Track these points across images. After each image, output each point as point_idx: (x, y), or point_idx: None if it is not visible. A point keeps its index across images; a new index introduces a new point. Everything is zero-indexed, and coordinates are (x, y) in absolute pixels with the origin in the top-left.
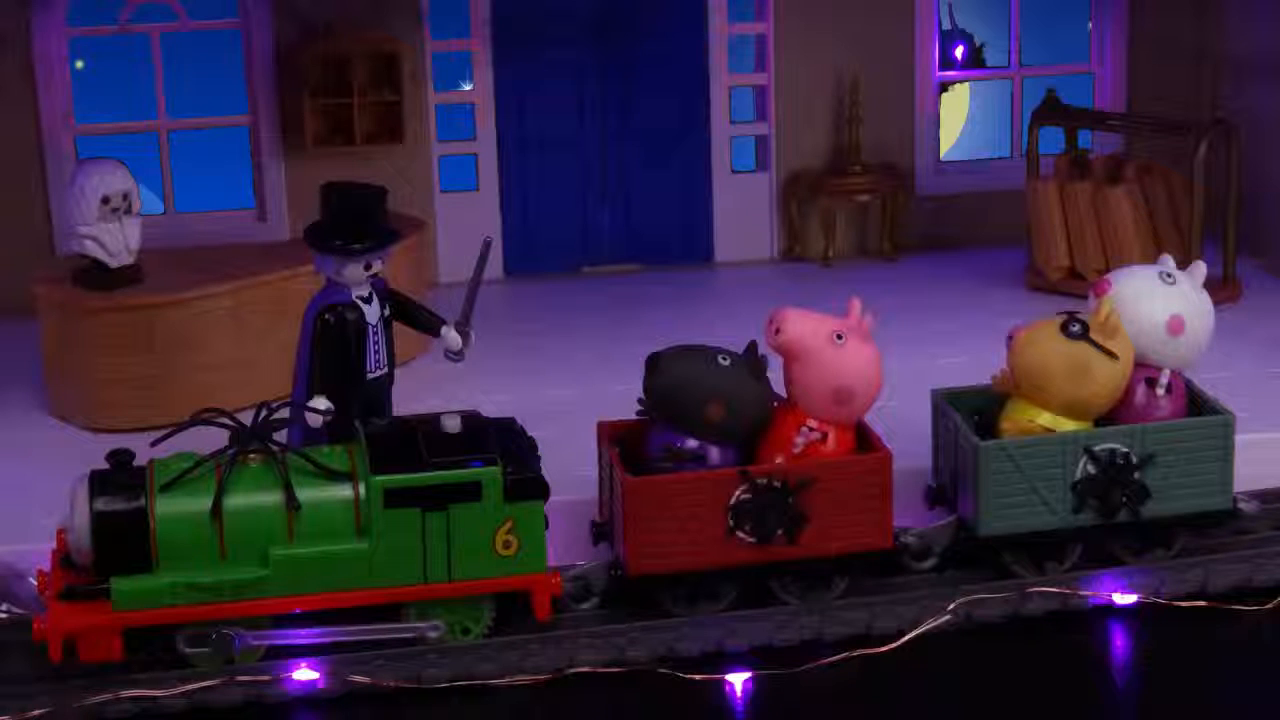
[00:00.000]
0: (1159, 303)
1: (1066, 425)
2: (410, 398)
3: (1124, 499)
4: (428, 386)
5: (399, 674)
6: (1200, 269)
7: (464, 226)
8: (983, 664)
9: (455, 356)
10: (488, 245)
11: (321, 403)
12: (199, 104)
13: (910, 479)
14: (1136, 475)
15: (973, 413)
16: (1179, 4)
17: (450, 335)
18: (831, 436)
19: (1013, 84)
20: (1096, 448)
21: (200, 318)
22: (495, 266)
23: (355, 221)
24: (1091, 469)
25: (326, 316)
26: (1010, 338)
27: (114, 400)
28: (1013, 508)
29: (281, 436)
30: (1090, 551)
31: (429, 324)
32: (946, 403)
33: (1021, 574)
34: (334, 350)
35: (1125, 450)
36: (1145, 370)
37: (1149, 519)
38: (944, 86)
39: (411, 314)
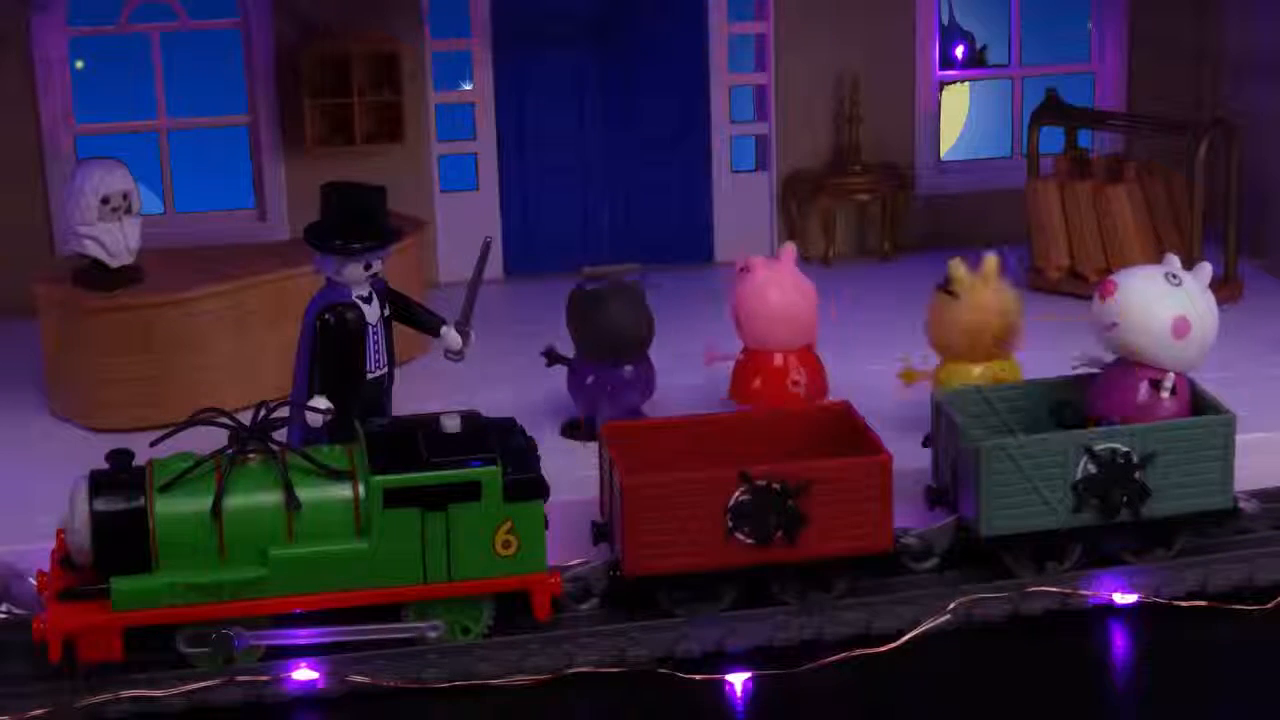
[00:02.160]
0: (1164, 304)
1: (976, 370)
2: (410, 398)
3: (1124, 498)
4: (428, 386)
5: (399, 674)
6: (1205, 270)
7: (464, 226)
8: (983, 664)
9: (455, 356)
10: (488, 245)
11: (321, 402)
12: (199, 104)
13: (911, 479)
14: (1137, 475)
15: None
16: (1179, 4)
17: (450, 335)
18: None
19: (1013, 84)
20: (1097, 447)
21: (200, 318)
22: (495, 266)
23: (355, 221)
24: (1092, 468)
25: (326, 316)
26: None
27: (113, 400)
28: (1014, 508)
29: (281, 436)
30: (1091, 551)
31: (429, 324)
32: (946, 403)
33: (1022, 574)
34: (334, 350)
35: (1126, 450)
36: (1149, 371)
37: (1150, 518)
38: (944, 86)
39: (411, 314)
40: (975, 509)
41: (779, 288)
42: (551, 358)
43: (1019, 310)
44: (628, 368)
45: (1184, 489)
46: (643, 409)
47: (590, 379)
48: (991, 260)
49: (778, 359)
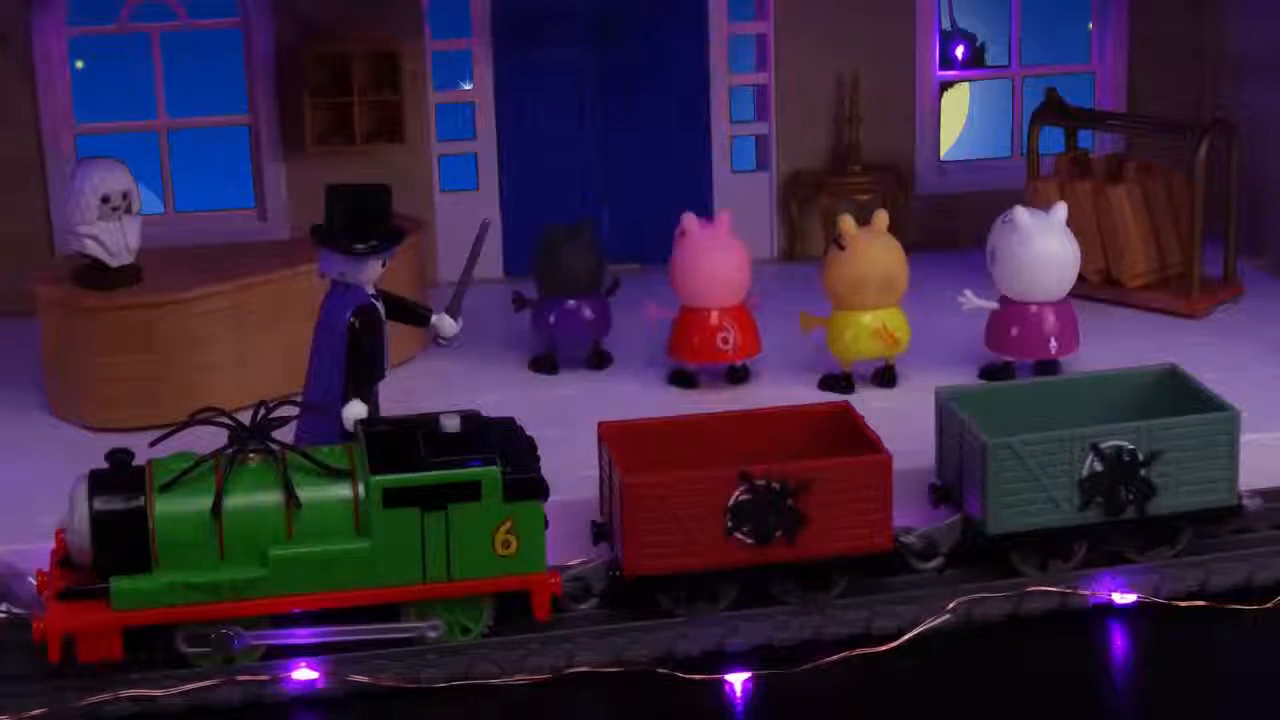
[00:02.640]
0: (989, 240)
1: (865, 318)
2: (410, 398)
3: (1130, 496)
4: (428, 386)
5: (399, 674)
6: (1058, 208)
7: (464, 226)
8: (983, 664)
9: (445, 342)
10: (485, 228)
11: (360, 407)
12: (199, 104)
13: (911, 479)
14: (1142, 472)
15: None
16: (1179, 4)
17: (443, 321)
18: None
19: (1013, 84)
20: (1103, 445)
21: (200, 318)
22: (495, 266)
23: (375, 220)
24: (1098, 466)
25: (364, 316)
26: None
27: (113, 400)
28: (1021, 506)
29: (285, 435)
30: (1096, 549)
31: (420, 315)
32: (951, 401)
33: (1028, 573)
34: (372, 349)
35: (1131, 447)
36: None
37: (1155, 515)
38: (944, 86)
39: (403, 308)
40: (981, 507)
41: (711, 247)
42: (519, 302)
43: (902, 263)
44: (585, 306)
45: (1189, 486)
46: (603, 346)
47: (552, 317)
48: (880, 216)
49: (713, 317)
